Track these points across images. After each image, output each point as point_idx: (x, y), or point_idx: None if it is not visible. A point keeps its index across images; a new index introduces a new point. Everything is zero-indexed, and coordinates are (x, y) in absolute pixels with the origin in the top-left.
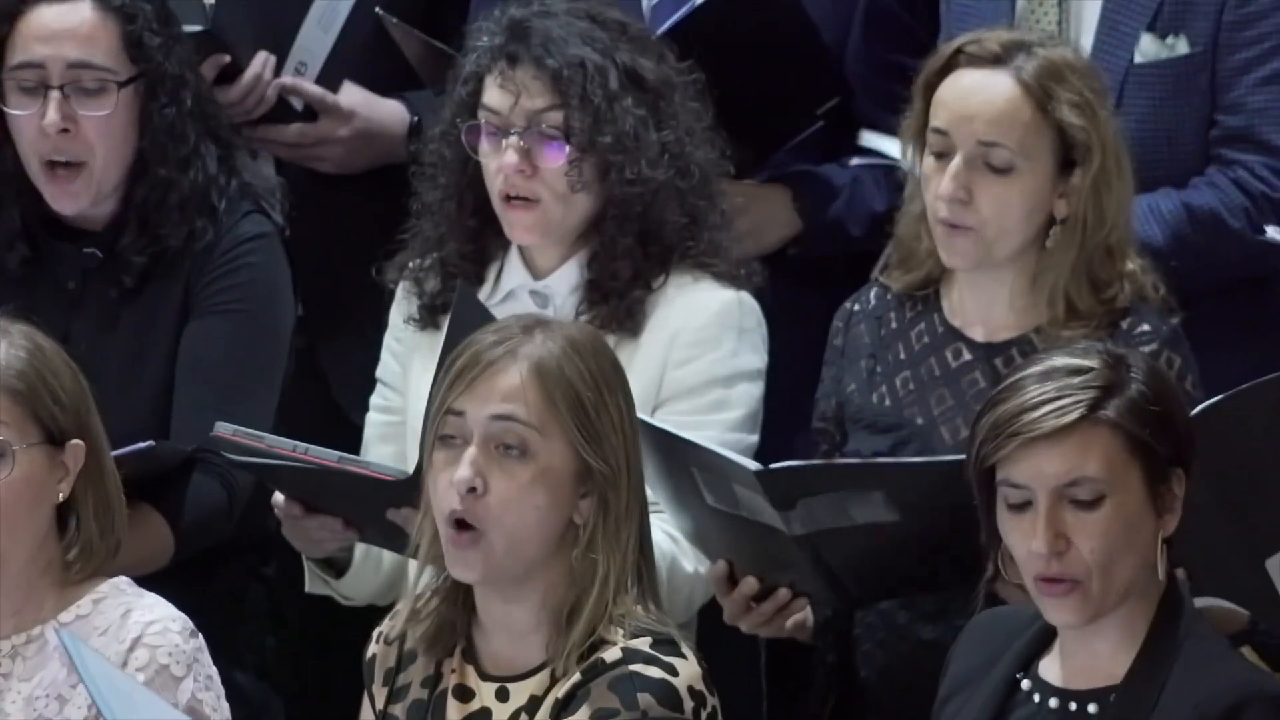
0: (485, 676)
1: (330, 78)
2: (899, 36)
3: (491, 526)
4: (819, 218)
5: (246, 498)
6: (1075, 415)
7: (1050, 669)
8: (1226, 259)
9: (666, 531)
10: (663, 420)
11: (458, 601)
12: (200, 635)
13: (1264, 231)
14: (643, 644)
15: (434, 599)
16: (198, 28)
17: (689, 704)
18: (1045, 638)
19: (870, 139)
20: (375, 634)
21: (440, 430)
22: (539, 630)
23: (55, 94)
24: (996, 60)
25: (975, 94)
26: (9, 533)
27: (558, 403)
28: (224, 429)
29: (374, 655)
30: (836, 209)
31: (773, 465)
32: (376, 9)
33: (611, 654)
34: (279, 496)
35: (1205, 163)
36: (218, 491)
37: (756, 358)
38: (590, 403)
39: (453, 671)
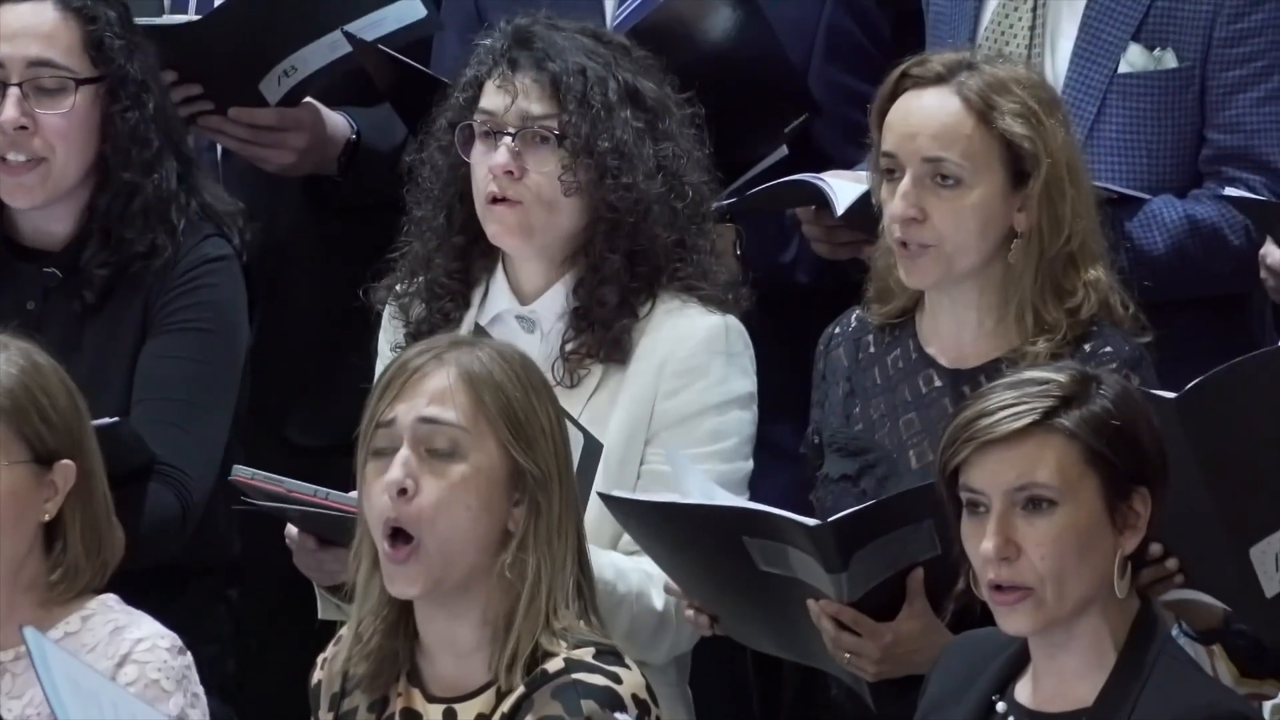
0: (431, 699)
1: (308, 85)
2: (859, 63)
3: (425, 531)
4: (764, 262)
5: (200, 513)
6: (1028, 420)
7: (1025, 692)
8: (1220, 272)
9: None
10: (658, 455)
11: (399, 632)
12: (188, 653)
13: (1257, 246)
14: (585, 654)
15: (375, 636)
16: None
17: (633, 711)
18: (1021, 660)
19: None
20: (320, 660)
21: (372, 444)
22: (482, 648)
23: (14, 91)
24: (939, 79)
25: (918, 113)
26: None
27: (487, 403)
28: (243, 473)
29: (319, 682)
30: (784, 253)
31: (830, 518)
32: (342, 28)
33: (554, 664)
34: (292, 529)
35: (1182, 175)
36: (172, 503)
37: (747, 381)
38: (519, 405)
39: (399, 695)
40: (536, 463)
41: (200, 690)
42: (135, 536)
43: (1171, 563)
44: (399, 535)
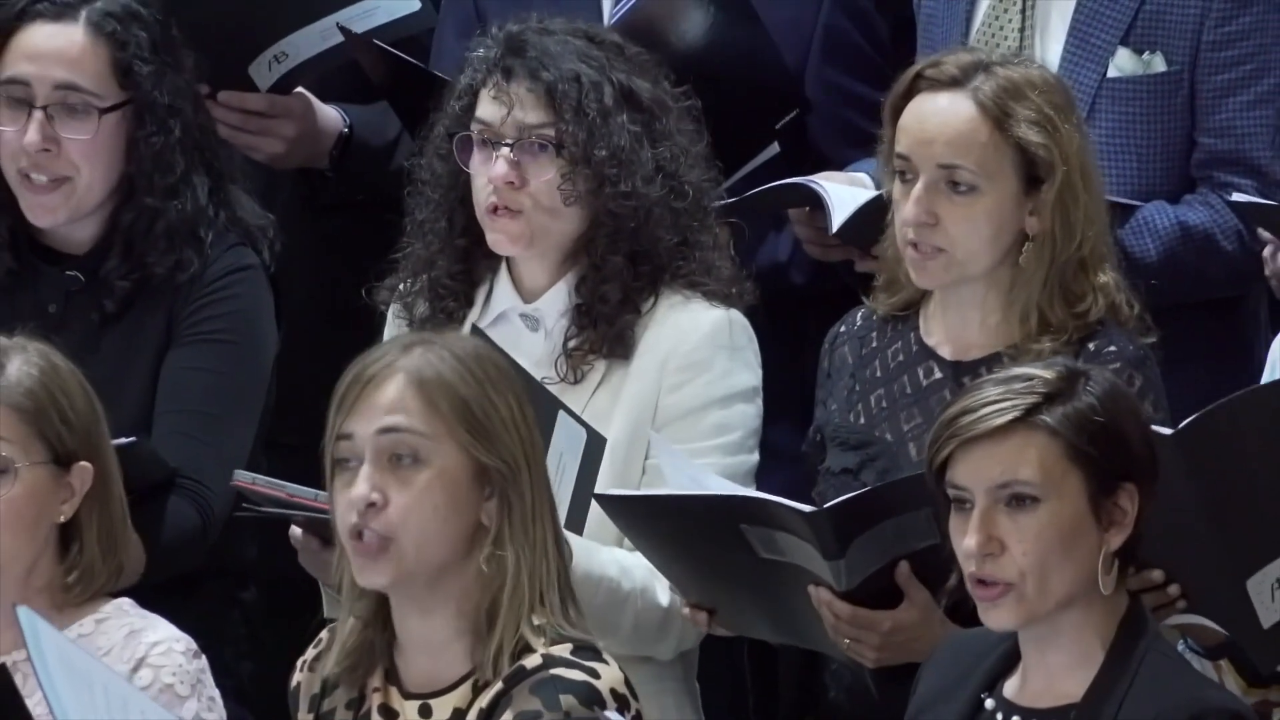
0: (407, 695)
1: (300, 75)
2: (856, 64)
3: (398, 534)
4: (759, 262)
5: (221, 525)
6: (1010, 417)
7: (1014, 688)
8: (1214, 278)
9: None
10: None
11: (375, 625)
12: (204, 656)
13: (1252, 251)
14: (563, 650)
15: (357, 628)
16: None
17: (612, 705)
18: (1012, 658)
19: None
20: (299, 663)
21: (335, 456)
22: (458, 641)
23: (38, 114)
24: (955, 82)
25: (933, 117)
26: (8, 549)
27: (440, 407)
28: (243, 477)
29: (298, 684)
30: (778, 252)
31: (827, 505)
32: (336, 22)
33: (532, 660)
34: (296, 530)
35: (1172, 179)
36: (192, 516)
37: (750, 375)
38: (474, 401)
39: (376, 691)
40: (501, 458)
41: (216, 694)
42: (156, 550)
43: (1173, 589)
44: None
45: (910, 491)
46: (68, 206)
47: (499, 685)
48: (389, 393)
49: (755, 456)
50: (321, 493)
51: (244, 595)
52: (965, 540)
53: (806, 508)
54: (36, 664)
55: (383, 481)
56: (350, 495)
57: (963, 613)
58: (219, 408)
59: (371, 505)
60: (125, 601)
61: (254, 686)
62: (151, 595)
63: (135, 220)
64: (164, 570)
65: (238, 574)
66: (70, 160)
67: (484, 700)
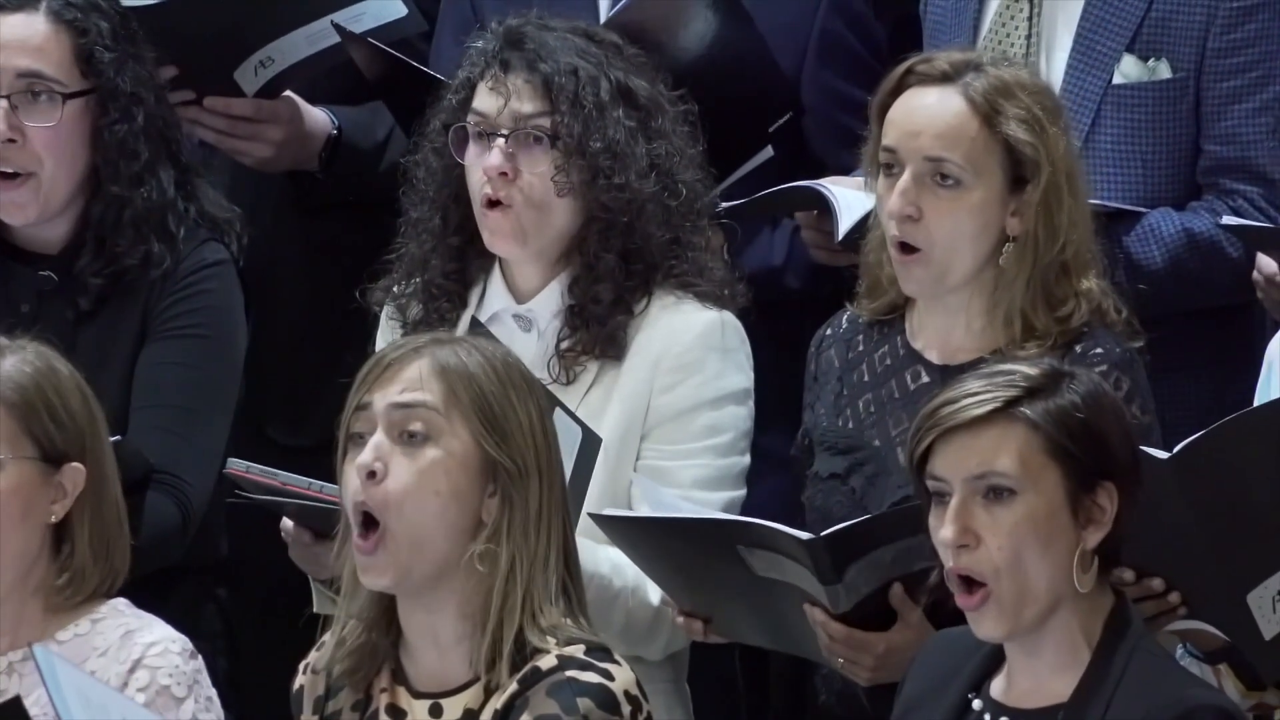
0: (417, 694)
1: (287, 80)
2: (852, 68)
3: (392, 516)
4: (754, 266)
5: (200, 520)
6: (990, 407)
7: (1000, 688)
8: (1220, 285)
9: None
10: (654, 451)
11: (381, 628)
12: (200, 657)
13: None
14: (577, 651)
15: (360, 630)
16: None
17: (626, 708)
18: (997, 657)
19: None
20: (302, 665)
21: (350, 429)
22: (464, 642)
23: (3, 103)
24: (945, 78)
25: (922, 111)
26: None
27: (459, 393)
28: (237, 465)
29: (301, 686)
30: (773, 256)
31: (824, 533)
32: (331, 20)
33: (547, 662)
34: (287, 523)
35: (1177, 186)
36: (172, 512)
37: (742, 377)
38: (494, 398)
39: (383, 691)
40: (511, 457)
41: (213, 693)
42: (136, 546)
43: (1174, 596)
44: (369, 523)
45: (907, 519)
46: (37, 203)
47: (514, 686)
48: (411, 372)
49: (746, 458)
50: (315, 481)
51: (219, 591)
52: (941, 531)
53: (804, 535)
54: (55, 701)
55: (388, 453)
56: (356, 461)
57: (943, 613)
58: (195, 402)
59: (372, 475)
60: (121, 602)
61: (230, 682)
62: (127, 591)
63: (104, 212)
64: (145, 566)
65: (212, 570)
66: (34, 153)
67: (498, 701)
